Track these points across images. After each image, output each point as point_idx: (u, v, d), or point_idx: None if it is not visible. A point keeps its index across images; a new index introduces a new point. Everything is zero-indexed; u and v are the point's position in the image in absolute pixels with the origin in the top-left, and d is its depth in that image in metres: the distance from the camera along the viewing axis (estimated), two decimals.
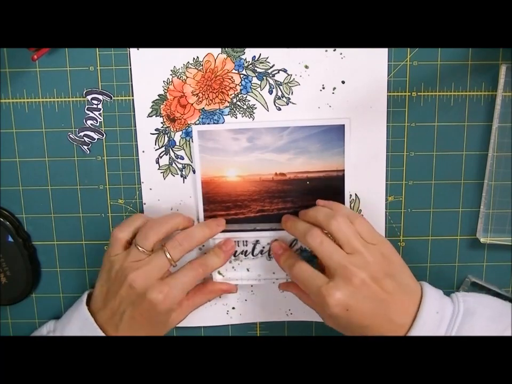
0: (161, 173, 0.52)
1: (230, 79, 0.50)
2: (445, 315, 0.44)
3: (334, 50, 0.49)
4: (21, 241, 0.52)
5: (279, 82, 0.50)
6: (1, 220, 0.52)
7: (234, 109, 0.50)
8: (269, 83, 0.50)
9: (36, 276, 0.54)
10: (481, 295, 0.48)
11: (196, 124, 0.51)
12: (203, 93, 0.50)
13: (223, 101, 0.50)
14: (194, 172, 0.51)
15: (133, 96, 0.50)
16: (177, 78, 0.50)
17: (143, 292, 0.45)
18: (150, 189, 0.52)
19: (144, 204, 0.52)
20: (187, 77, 0.50)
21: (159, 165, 0.52)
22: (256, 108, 0.50)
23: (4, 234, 0.52)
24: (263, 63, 0.49)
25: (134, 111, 0.51)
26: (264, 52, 0.49)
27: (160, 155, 0.51)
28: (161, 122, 0.51)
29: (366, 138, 0.50)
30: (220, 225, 0.51)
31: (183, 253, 0.48)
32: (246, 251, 0.53)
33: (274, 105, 0.50)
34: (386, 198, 0.52)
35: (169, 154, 0.51)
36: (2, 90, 0.51)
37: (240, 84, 0.50)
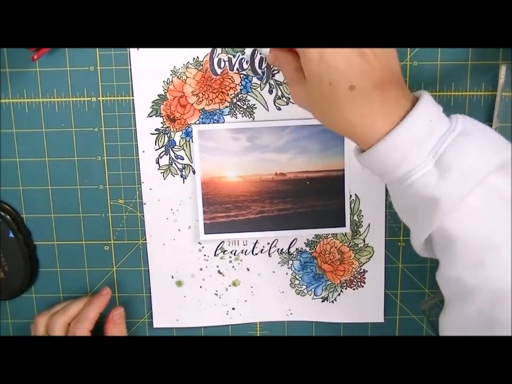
0: (161, 173, 0.52)
1: (230, 79, 0.50)
2: (438, 126, 0.37)
3: None
4: (21, 237, 0.52)
5: (279, 82, 0.50)
6: (3, 214, 0.52)
7: (234, 108, 0.50)
8: (269, 83, 0.50)
9: (34, 273, 0.54)
10: (483, 124, 0.40)
11: (195, 124, 0.51)
12: (203, 93, 0.50)
13: (223, 101, 0.50)
14: (194, 172, 0.51)
15: (133, 96, 0.50)
16: (177, 78, 0.50)
17: None
18: (150, 189, 0.52)
19: (144, 204, 0.52)
20: (187, 77, 0.50)
21: (159, 165, 0.52)
22: (256, 107, 0.50)
23: (5, 230, 0.52)
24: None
25: (134, 111, 0.51)
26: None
27: (160, 155, 0.51)
28: (161, 122, 0.51)
29: None
30: (106, 295, 0.52)
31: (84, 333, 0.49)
32: (246, 250, 0.53)
33: (274, 105, 0.50)
34: (386, 198, 0.52)
35: (169, 155, 0.51)
36: (2, 90, 0.51)
37: (240, 84, 0.50)
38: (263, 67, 0.49)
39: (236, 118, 0.50)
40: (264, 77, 0.49)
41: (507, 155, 0.37)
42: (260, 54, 0.48)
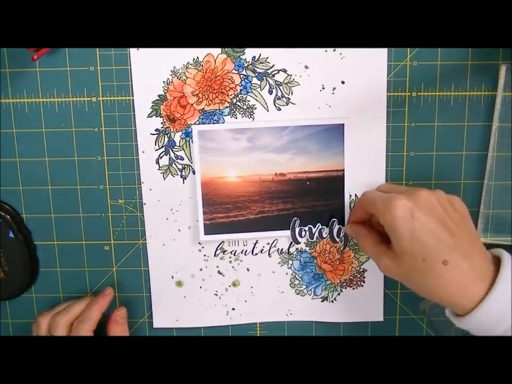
0: (161, 173, 0.52)
1: (230, 79, 0.50)
2: None
3: (334, 50, 0.49)
4: (21, 237, 0.52)
5: (279, 83, 0.50)
6: (3, 214, 0.52)
7: (234, 109, 0.50)
8: (269, 83, 0.50)
9: (34, 273, 0.54)
10: None
11: (195, 124, 0.51)
12: (203, 93, 0.50)
13: (223, 101, 0.50)
14: (194, 172, 0.51)
15: (133, 96, 0.50)
16: (177, 78, 0.50)
17: None
18: (150, 189, 0.52)
19: (144, 204, 0.52)
20: (187, 77, 0.50)
21: (159, 165, 0.52)
22: (256, 108, 0.50)
23: (5, 230, 0.52)
24: (263, 63, 0.49)
25: (134, 111, 0.51)
26: (264, 52, 0.49)
27: (160, 155, 0.51)
28: (161, 123, 0.51)
29: (365, 138, 0.50)
30: (108, 295, 0.52)
31: (87, 333, 0.49)
32: (246, 250, 0.53)
33: (274, 105, 0.50)
34: None
35: (169, 155, 0.51)
36: (2, 90, 0.51)
37: (240, 84, 0.50)
38: (341, 235, 0.52)
39: (236, 118, 0.50)
40: (342, 244, 0.53)
41: None
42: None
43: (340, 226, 0.52)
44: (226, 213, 0.52)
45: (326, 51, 0.49)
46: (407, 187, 0.47)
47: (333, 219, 0.52)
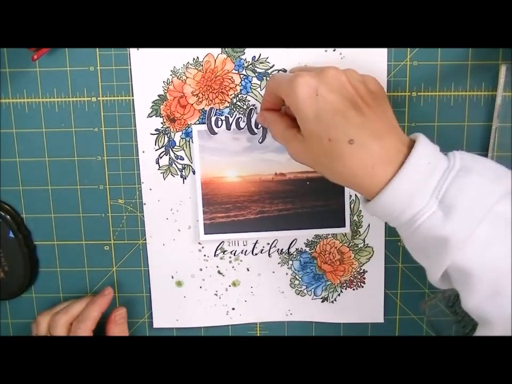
0: (161, 173, 0.52)
1: (230, 79, 0.50)
2: (437, 167, 0.38)
3: (334, 50, 0.49)
4: (21, 237, 0.52)
5: None
6: (3, 214, 0.52)
7: (234, 109, 0.50)
8: None
9: (34, 273, 0.54)
10: (480, 156, 0.41)
11: (195, 124, 0.51)
12: (203, 93, 0.50)
13: (223, 101, 0.50)
14: (194, 172, 0.51)
15: (133, 96, 0.50)
16: (177, 78, 0.50)
17: None
18: (150, 189, 0.52)
19: (144, 204, 0.52)
20: (187, 77, 0.50)
21: (159, 165, 0.52)
22: (256, 108, 0.50)
23: (5, 230, 0.52)
24: (263, 63, 0.49)
25: (134, 111, 0.51)
26: (264, 52, 0.49)
27: (160, 155, 0.51)
28: (161, 123, 0.51)
29: None
30: (108, 295, 0.52)
31: (87, 333, 0.49)
32: (246, 250, 0.53)
33: None
34: None
35: (169, 155, 0.51)
36: (2, 90, 0.51)
37: (240, 84, 0.50)
38: (259, 126, 0.50)
39: (237, 114, 0.50)
40: (261, 136, 0.50)
41: (508, 183, 0.38)
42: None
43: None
44: (226, 212, 0.52)
45: (326, 51, 0.49)
46: (318, 67, 0.42)
47: (251, 107, 0.50)
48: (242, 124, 0.50)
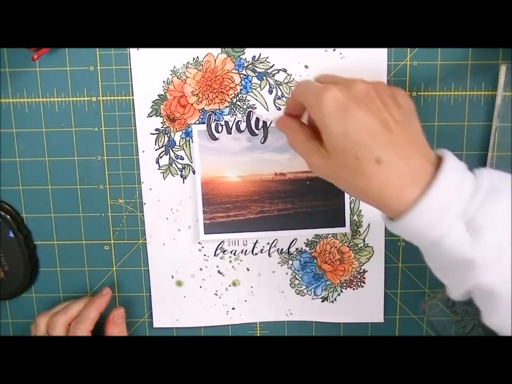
0: (161, 173, 0.52)
1: (230, 79, 0.50)
2: (465, 187, 0.36)
3: (334, 50, 0.49)
4: (21, 237, 0.52)
5: (279, 82, 0.50)
6: (3, 214, 0.52)
7: (234, 109, 0.50)
8: (269, 83, 0.50)
9: (34, 273, 0.54)
10: (507, 174, 0.39)
11: (195, 124, 0.51)
12: (203, 93, 0.50)
13: (223, 101, 0.50)
14: (194, 172, 0.51)
15: (133, 96, 0.50)
16: (177, 78, 0.50)
17: None
18: (150, 189, 0.52)
19: (144, 204, 0.52)
20: (187, 77, 0.50)
21: (159, 165, 0.52)
22: (256, 107, 0.50)
23: (5, 230, 0.52)
24: (263, 63, 0.49)
25: (134, 111, 0.51)
26: (264, 52, 0.49)
27: (160, 155, 0.51)
28: (161, 122, 0.51)
29: None
30: (106, 295, 0.52)
31: (85, 333, 0.49)
32: (246, 250, 0.53)
33: (274, 105, 0.50)
34: None
35: (169, 155, 0.51)
36: (2, 90, 0.51)
37: (240, 84, 0.50)
38: (259, 127, 0.50)
39: (236, 117, 0.50)
40: (262, 137, 0.50)
41: None
42: (262, 118, 0.50)
43: (258, 117, 0.50)
44: (226, 212, 0.52)
45: (326, 51, 0.49)
46: (346, 78, 0.42)
47: (249, 109, 0.50)
48: (242, 127, 0.50)
